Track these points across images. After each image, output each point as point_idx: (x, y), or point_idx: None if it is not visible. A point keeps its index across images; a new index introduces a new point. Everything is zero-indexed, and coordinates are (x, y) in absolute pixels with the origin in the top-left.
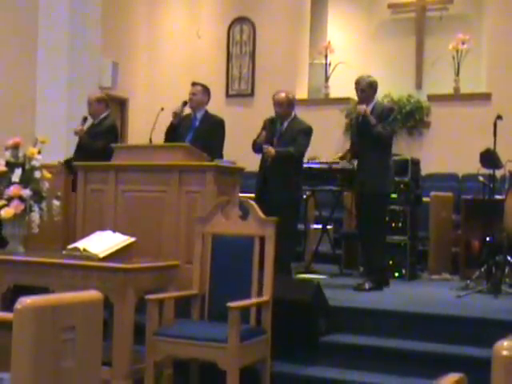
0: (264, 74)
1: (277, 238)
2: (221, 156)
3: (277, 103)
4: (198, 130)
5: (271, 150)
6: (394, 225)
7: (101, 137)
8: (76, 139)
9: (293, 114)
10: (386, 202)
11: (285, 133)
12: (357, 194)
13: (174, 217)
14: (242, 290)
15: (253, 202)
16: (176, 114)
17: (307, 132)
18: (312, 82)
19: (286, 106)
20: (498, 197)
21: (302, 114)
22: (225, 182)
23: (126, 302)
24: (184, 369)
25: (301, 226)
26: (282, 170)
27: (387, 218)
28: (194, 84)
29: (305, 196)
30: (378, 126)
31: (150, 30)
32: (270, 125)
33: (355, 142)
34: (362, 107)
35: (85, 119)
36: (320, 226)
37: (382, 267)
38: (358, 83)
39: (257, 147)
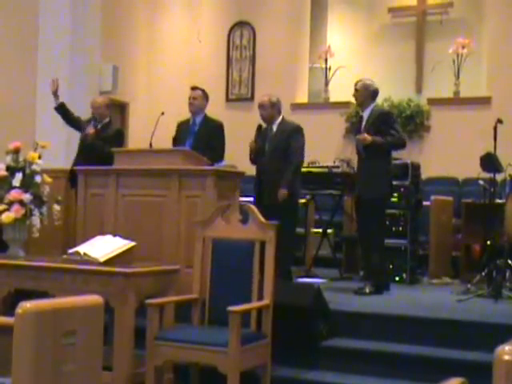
0: (264, 79)
1: (276, 242)
2: (222, 159)
3: (260, 106)
4: (197, 135)
5: (284, 192)
6: (394, 229)
7: (108, 141)
8: (77, 144)
9: (280, 117)
10: (385, 206)
11: (275, 136)
12: (356, 198)
13: (174, 221)
14: (242, 294)
15: (253, 206)
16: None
17: (298, 131)
18: (312, 86)
19: (269, 109)
20: (498, 201)
21: (301, 118)
22: (225, 186)
23: (126, 307)
24: (184, 373)
25: (301, 230)
26: (279, 174)
27: (387, 222)
28: (193, 88)
29: (305, 200)
30: (387, 140)
31: (150, 34)
32: (258, 132)
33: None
34: (362, 137)
35: (94, 121)
36: (320, 230)
37: (381, 270)
38: (355, 84)
39: (253, 158)
